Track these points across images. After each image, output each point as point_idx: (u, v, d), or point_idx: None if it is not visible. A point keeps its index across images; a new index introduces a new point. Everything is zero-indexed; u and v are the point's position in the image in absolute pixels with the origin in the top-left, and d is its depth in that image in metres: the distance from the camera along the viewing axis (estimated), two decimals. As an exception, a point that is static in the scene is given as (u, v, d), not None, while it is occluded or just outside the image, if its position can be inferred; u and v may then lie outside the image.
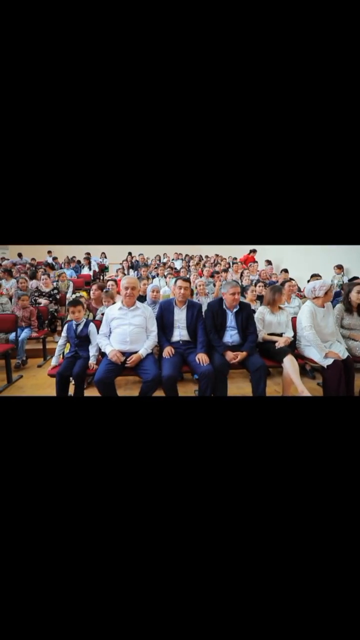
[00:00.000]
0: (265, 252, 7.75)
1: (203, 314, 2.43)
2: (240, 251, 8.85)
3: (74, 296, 3.21)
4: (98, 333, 2.32)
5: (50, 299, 4.19)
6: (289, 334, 2.58)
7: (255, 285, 3.66)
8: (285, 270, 4.89)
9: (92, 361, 2.29)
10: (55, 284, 4.63)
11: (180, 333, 2.34)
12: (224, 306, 2.37)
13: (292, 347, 2.53)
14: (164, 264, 7.12)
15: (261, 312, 2.63)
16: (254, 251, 7.76)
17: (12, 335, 3.18)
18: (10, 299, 3.85)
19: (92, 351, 2.34)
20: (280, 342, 2.42)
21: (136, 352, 2.14)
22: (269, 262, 7.45)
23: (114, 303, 2.79)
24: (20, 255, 8.92)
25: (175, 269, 6.46)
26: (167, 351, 2.22)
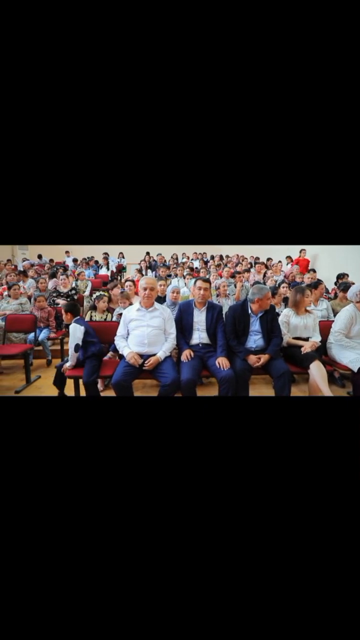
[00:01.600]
0: (288, 251, 7.55)
1: (224, 316, 2.41)
2: (260, 251, 8.66)
3: (94, 295, 3.29)
4: (117, 334, 2.35)
5: (68, 299, 4.31)
6: (317, 338, 2.51)
7: (279, 286, 3.60)
8: (313, 271, 4.76)
9: (66, 365, 2.33)
10: (74, 283, 4.76)
11: (199, 336, 2.34)
12: (249, 310, 2.33)
13: (320, 353, 2.46)
14: (183, 263, 7.15)
15: (286, 315, 2.57)
16: (304, 250, 6.88)
17: (30, 336, 3.31)
18: (30, 299, 4.00)
19: (70, 352, 2.35)
20: (307, 347, 2.36)
21: (154, 355, 2.16)
22: (290, 259, 7.25)
23: (130, 304, 2.83)
24: (40, 256, 9.24)
25: (196, 268, 6.47)
26: (186, 354, 2.23)
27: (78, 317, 2.47)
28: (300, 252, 6.96)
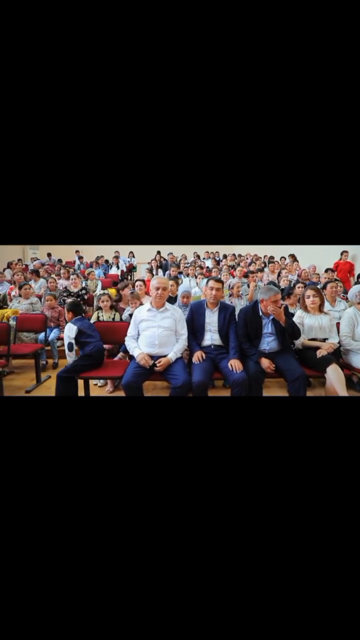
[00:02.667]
0: (304, 250, 7.36)
1: (236, 316, 2.40)
2: (273, 250, 8.52)
3: (98, 294, 3.34)
4: (127, 335, 2.37)
5: (79, 299, 4.38)
6: (334, 339, 2.47)
7: (295, 286, 3.55)
8: (331, 270, 4.69)
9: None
10: (84, 283, 4.83)
11: (211, 337, 2.33)
12: (260, 312, 2.31)
13: (337, 355, 2.41)
14: (194, 263, 7.15)
15: (299, 316, 2.54)
16: (346, 252, 5.92)
17: (41, 335, 3.37)
18: (40, 298, 4.08)
19: (66, 352, 2.42)
20: (323, 350, 2.32)
21: (165, 356, 2.16)
22: (294, 258, 7.05)
23: (141, 304, 2.85)
24: (49, 255, 9.39)
25: (208, 268, 6.46)
26: (198, 356, 2.22)
27: (79, 317, 2.51)
28: (342, 254, 5.94)
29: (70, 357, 2.38)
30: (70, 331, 2.39)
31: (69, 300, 4.27)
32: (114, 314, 3.12)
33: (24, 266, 6.86)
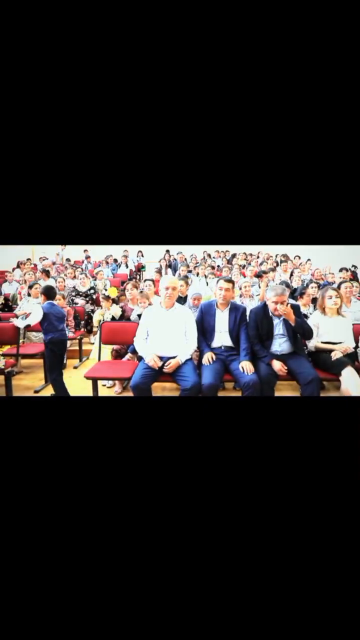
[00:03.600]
0: (315, 250, 7.23)
1: (247, 317, 2.38)
2: (282, 250, 8.37)
3: (103, 291, 3.39)
4: (136, 335, 2.38)
5: (87, 298, 4.42)
6: (350, 342, 2.43)
7: (307, 287, 3.51)
8: (346, 269, 4.62)
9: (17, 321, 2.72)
10: (92, 282, 4.88)
11: (222, 338, 2.32)
12: (270, 313, 2.28)
13: (353, 358, 2.37)
14: (204, 261, 7.13)
15: (315, 318, 2.51)
16: None
17: (49, 335, 3.41)
18: (49, 298, 4.13)
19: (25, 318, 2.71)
20: (337, 352, 2.28)
21: (174, 357, 2.16)
22: (287, 258, 6.89)
23: (150, 304, 2.86)
24: (64, 245, 9.35)
25: (218, 267, 6.44)
26: (208, 357, 2.22)
27: (52, 302, 2.60)
28: None
29: (18, 324, 2.69)
30: (37, 314, 2.51)
31: (78, 300, 4.34)
32: (117, 311, 3.17)
33: (32, 265, 6.96)
